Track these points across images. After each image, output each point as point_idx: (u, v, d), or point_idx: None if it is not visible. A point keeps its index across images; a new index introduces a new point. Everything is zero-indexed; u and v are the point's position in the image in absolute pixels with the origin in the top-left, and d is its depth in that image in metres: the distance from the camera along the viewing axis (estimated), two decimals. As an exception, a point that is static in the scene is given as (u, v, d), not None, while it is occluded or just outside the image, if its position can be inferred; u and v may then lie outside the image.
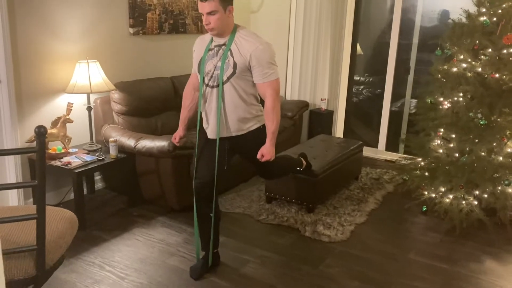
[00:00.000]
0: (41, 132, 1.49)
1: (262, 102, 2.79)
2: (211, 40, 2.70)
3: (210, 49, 2.68)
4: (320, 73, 5.56)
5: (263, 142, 2.74)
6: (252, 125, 2.77)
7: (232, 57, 2.58)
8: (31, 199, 3.72)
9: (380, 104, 5.40)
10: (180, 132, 2.99)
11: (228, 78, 2.61)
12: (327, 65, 5.48)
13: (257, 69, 2.58)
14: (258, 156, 2.73)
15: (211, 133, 2.78)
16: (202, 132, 2.86)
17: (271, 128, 2.69)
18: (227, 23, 2.58)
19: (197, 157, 2.85)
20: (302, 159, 3.59)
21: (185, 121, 2.99)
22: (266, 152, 2.72)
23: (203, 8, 2.52)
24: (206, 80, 2.71)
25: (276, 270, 3.03)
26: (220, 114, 2.68)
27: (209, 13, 2.51)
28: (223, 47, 2.63)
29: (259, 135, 2.77)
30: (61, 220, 1.94)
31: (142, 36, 4.45)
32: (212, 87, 2.68)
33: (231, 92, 2.64)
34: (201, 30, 5.05)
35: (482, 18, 3.57)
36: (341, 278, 2.94)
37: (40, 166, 1.54)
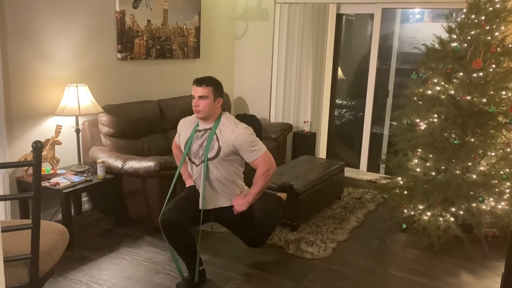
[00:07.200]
0: (38, 146, 1.60)
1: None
2: (197, 124, 2.96)
3: (197, 131, 2.94)
4: (303, 96, 5.75)
5: (247, 217, 3.03)
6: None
7: (218, 142, 2.84)
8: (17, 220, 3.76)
9: (362, 126, 5.59)
10: (191, 180, 3.13)
11: (211, 159, 2.86)
12: (309, 89, 5.68)
13: (244, 152, 2.86)
14: (234, 205, 2.98)
15: (200, 204, 2.96)
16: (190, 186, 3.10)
17: (253, 190, 2.94)
18: (213, 110, 2.88)
19: (176, 198, 3.02)
20: (280, 195, 3.73)
21: (188, 173, 3.15)
22: (237, 204, 2.97)
23: (196, 91, 2.83)
24: (192, 159, 2.96)
25: (260, 286, 3.11)
26: (205, 189, 2.91)
27: (200, 97, 2.82)
28: (208, 130, 2.90)
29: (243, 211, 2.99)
30: (53, 232, 2.02)
31: (129, 61, 4.59)
32: (198, 165, 2.94)
33: (215, 170, 2.90)
34: (187, 56, 5.21)
35: (453, 44, 3.78)
36: (323, 293, 3.04)
37: (36, 178, 1.64)
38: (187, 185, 3.14)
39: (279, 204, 3.64)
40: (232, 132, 2.83)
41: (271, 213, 3.52)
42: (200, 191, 2.94)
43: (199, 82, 2.84)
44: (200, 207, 2.93)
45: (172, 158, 3.82)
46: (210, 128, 2.89)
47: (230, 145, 2.82)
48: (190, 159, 2.99)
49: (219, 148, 2.84)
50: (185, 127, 3.05)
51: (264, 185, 2.91)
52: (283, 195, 3.71)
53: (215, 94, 2.85)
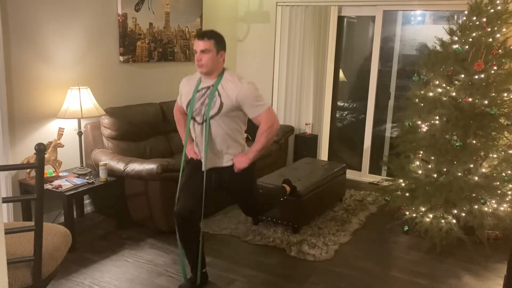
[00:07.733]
0: (41, 149, 1.61)
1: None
2: (199, 82, 2.89)
3: (198, 91, 2.87)
4: (305, 98, 5.75)
5: (248, 178, 2.95)
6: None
7: (220, 97, 2.77)
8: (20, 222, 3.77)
9: (363, 128, 5.59)
10: (192, 147, 3.03)
11: (213, 116, 2.79)
12: (311, 91, 5.68)
13: (247, 107, 2.78)
14: (235, 162, 2.88)
15: (202, 165, 2.92)
16: (189, 160, 3.01)
17: (255, 147, 2.87)
18: (216, 65, 2.79)
19: (182, 183, 2.96)
20: (285, 186, 3.72)
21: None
22: (238, 161, 2.88)
23: (198, 45, 2.76)
24: (194, 116, 2.89)
25: (262, 288, 3.12)
26: (207, 148, 2.84)
27: (203, 51, 2.74)
28: (210, 87, 2.81)
29: (244, 170, 2.91)
30: (56, 234, 2.03)
31: (132, 64, 4.60)
32: (200, 123, 2.86)
33: (217, 127, 2.82)
34: (189, 58, 5.22)
35: (455, 46, 3.79)
36: (325, 295, 3.04)
37: (39, 180, 1.65)
38: (187, 153, 3.03)
39: (283, 190, 3.64)
40: (235, 87, 2.75)
41: (274, 193, 3.56)
42: (202, 151, 2.87)
43: (200, 35, 2.77)
44: (203, 169, 2.86)
45: (174, 160, 3.83)
46: (212, 85, 2.81)
47: (233, 100, 2.74)
48: (192, 117, 2.90)
49: (221, 104, 2.75)
50: (188, 85, 2.96)
51: (266, 142, 2.85)
52: (287, 188, 3.71)
53: (217, 47, 2.76)
